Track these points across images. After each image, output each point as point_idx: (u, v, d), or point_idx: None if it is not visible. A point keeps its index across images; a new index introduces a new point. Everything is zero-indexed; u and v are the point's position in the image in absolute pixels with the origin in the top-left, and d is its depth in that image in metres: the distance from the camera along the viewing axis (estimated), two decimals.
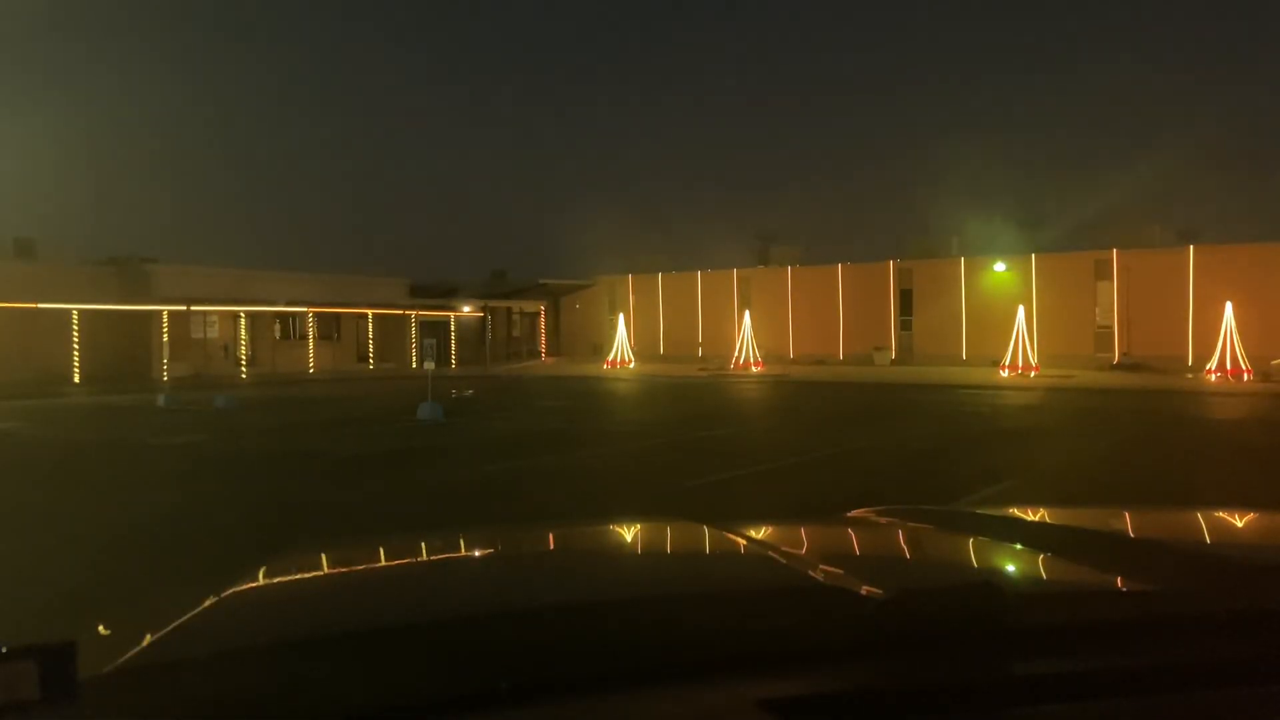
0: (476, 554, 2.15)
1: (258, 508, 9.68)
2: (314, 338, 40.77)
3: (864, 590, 1.29)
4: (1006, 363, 34.08)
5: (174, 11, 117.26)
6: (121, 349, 34.68)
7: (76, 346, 32.54)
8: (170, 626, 1.35)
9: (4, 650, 0.96)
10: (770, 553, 1.87)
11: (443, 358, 36.74)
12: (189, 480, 11.82)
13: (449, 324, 44.71)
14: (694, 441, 15.35)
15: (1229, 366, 31.15)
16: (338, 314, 42.26)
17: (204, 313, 37.66)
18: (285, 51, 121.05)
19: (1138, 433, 16.35)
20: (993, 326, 38.53)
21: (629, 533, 2.29)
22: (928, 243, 43.95)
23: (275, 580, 1.81)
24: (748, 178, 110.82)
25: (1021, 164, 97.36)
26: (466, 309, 46.49)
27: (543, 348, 50.92)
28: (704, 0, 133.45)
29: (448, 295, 48.00)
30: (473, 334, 46.58)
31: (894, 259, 44.00)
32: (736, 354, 40.51)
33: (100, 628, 1.49)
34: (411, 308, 44.15)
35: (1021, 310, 34.94)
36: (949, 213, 69.51)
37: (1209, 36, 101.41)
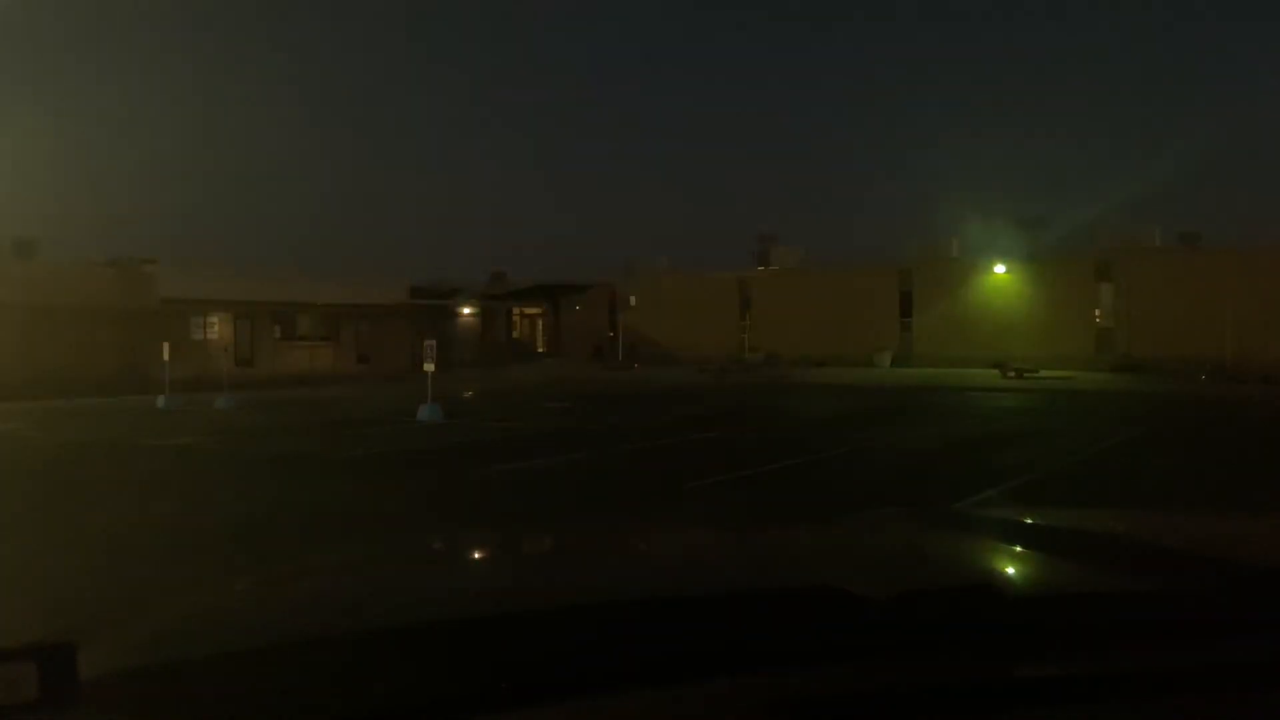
0: (477, 555, 2.16)
1: (258, 509, 9.67)
2: (314, 339, 40.74)
3: (864, 591, 1.29)
4: (1007, 364, 34.04)
5: (174, 12, 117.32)
6: (121, 350, 34.64)
7: (76, 348, 32.51)
8: (171, 627, 1.35)
9: (5, 650, 0.96)
10: (770, 553, 1.87)
11: (443, 359, 36.70)
12: (189, 482, 11.82)
13: (449, 325, 44.70)
14: (694, 443, 15.35)
15: (1229, 367, 31.16)
16: (338, 315, 42.27)
17: (204, 314, 37.66)
18: (286, 51, 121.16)
19: (1135, 433, 16.35)
20: (993, 328, 38.56)
21: (631, 533, 2.29)
22: (929, 245, 43.96)
23: (276, 581, 1.81)
24: (749, 179, 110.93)
25: (1023, 165, 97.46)
26: (466, 310, 46.50)
27: (543, 349, 50.95)
28: (705, 1, 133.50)
29: (447, 297, 48.01)
30: (473, 335, 46.61)
31: (895, 261, 44.02)
32: (737, 355, 40.51)
33: (101, 628, 1.49)
34: (411, 309, 44.13)
35: (1023, 311, 34.93)
36: (950, 214, 69.67)
37: (1209, 37, 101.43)
